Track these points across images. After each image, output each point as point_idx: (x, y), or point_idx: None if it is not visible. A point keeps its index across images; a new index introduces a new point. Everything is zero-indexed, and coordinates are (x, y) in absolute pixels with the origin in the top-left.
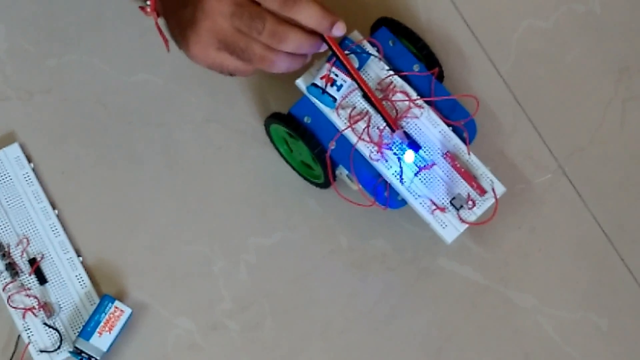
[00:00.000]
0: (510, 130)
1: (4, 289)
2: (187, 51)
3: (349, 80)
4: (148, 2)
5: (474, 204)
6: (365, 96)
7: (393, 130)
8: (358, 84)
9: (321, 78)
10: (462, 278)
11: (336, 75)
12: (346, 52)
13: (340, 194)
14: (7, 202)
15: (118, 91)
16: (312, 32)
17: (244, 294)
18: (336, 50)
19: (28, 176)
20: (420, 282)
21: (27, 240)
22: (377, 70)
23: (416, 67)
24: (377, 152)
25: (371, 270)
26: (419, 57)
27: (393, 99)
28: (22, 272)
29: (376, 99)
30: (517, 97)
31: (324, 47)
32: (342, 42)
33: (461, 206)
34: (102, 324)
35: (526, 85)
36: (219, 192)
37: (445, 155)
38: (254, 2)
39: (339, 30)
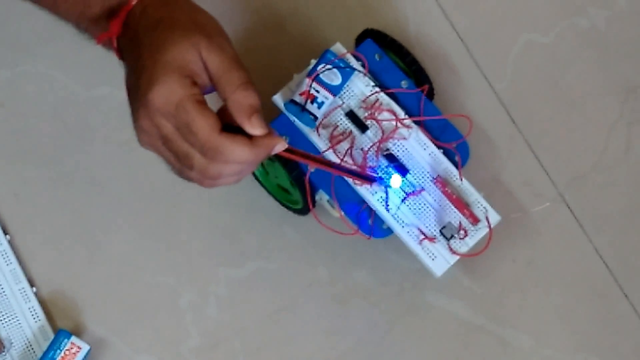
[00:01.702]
0: (506, 154)
1: None
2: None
3: (330, 97)
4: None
5: (465, 234)
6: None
7: (371, 184)
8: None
9: (300, 94)
10: (453, 315)
11: (317, 91)
12: (328, 66)
13: (320, 222)
14: None
15: (77, 105)
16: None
17: (213, 330)
18: (292, 157)
19: None
20: (406, 319)
21: None
22: (361, 86)
23: (404, 84)
24: (362, 185)
25: (353, 306)
26: (408, 73)
27: (379, 118)
28: None
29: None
30: (514, 117)
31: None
32: (324, 55)
33: (452, 236)
34: None
35: (524, 105)
36: (187, 217)
37: (435, 180)
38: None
39: (279, 148)
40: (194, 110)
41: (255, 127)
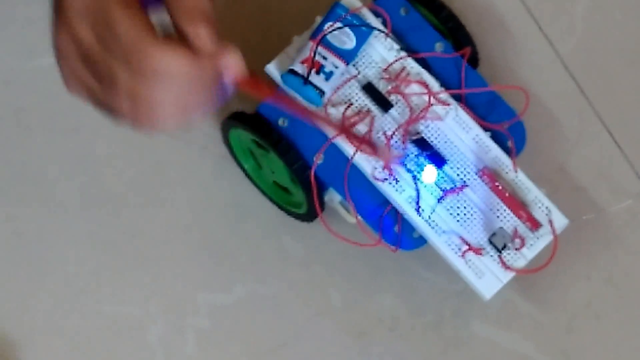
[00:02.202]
0: (575, 138)
1: None
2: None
3: (342, 65)
4: None
5: (523, 243)
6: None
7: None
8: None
9: (302, 62)
10: (507, 351)
11: (324, 58)
12: (338, 25)
13: (330, 230)
14: None
15: (12, 81)
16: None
17: None
18: (257, 92)
19: None
20: (446, 356)
21: None
22: (382, 51)
23: (439, 47)
24: (384, 169)
25: (375, 340)
26: (443, 33)
27: (406, 92)
28: None
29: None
30: (585, 89)
31: None
32: (333, 10)
33: (505, 246)
34: None
35: (598, 72)
36: (157, 229)
37: (481, 173)
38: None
39: (234, 66)
40: (119, 8)
41: (200, 36)
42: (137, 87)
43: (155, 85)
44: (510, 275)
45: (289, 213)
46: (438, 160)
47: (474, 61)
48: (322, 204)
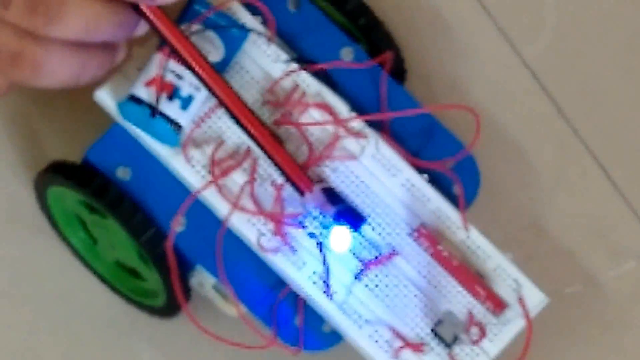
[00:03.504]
0: (553, 177)
1: None
2: None
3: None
4: None
5: (482, 333)
6: (238, 123)
7: (302, 193)
8: (216, 96)
9: (147, 84)
10: None
11: (179, 77)
12: (196, 27)
13: (202, 328)
14: None
15: None
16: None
17: None
18: (164, 30)
19: None
20: None
21: None
22: (264, 63)
23: (347, 53)
24: (275, 235)
25: None
26: (353, 33)
27: (301, 120)
28: None
29: (260, 130)
30: (563, 108)
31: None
32: (189, 7)
33: (456, 338)
34: None
35: (578, 84)
36: None
37: (417, 235)
38: None
39: None
40: None
41: None
42: (28, 45)
43: (56, 37)
44: None
45: (142, 307)
46: (353, 218)
47: (399, 73)
48: (187, 290)
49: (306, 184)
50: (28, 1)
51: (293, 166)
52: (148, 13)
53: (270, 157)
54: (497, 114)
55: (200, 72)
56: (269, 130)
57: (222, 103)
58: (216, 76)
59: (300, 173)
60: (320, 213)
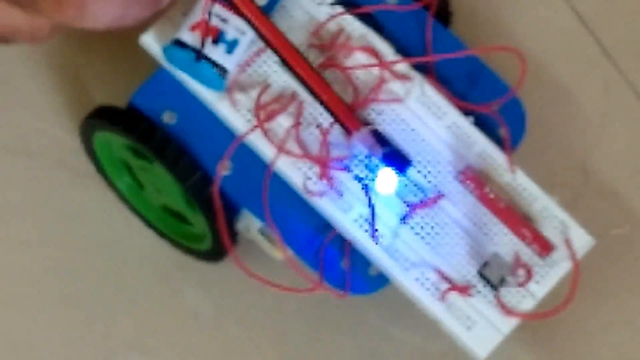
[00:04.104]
0: (599, 120)
1: None
2: None
3: (250, 29)
4: None
5: (529, 275)
6: (286, 64)
7: (350, 132)
8: (264, 39)
9: (192, 29)
10: None
11: (224, 20)
12: None
13: (248, 271)
14: None
15: None
16: None
17: None
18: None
19: None
20: None
21: None
22: (309, 6)
23: None
24: (321, 178)
25: None
26: None
27: (347, 63)
28: None
29: (308, 71)
30: (610, 49)
31: None
32: None
33: (503, 280)
34: None
35: (627, 23)
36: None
37: (463, 177)
38: None
39: None
40: None
41: None
42: None
43: None
44: (513, 323)
45: (188, 251)
46: (399, 161)
47: (444, 16)
48: (233, 234)
49: (354, 124)
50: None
51: (341, 106)
52: None
53: (318, 97)
54: (543, 56)
55: (248, 14)
56: (317, 71)
57: (269, 45)
58: (264, 18)
59: (349, 113)
60: (367, 156)
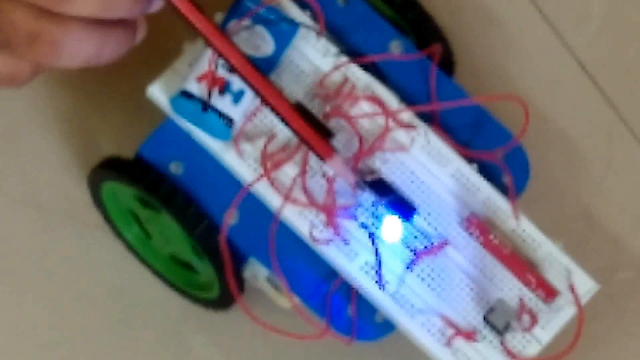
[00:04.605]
0: (603, 166)
1: None
2: None
3: None
4: None
5: (534, 321)
6: (267, 104)
7: (323, 160)
8: (243, 78)
9: (199, 79)
10: None
11: (230, 70)
12: (247, 23)
13: (255, 319)
14: None
15: None
16: None
17: None
18: (191, 17)
19: None
20: None
21: None
22: (314, 56)
23: (396, 46)
24: (327, 226)
25: None
26: (401, 27)
27: (352, 113)
28: None
29: (285, 107)
30: (612, 97)
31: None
32: (237, 5)
33: (508, 326)
34: None
35: (628, 73)
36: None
37: (467, 224)
38: None
39: None
40: None
41: None
42: (45, 24)
43: (75, 14)
44: None
45: (196, 300)
46: (404, 209)
47: (448, 65)
48: (241, 282)
49: (326, 151)
50: (28, 43)
51: (312, 134)
52: None
53: (288, 124)
54: (546, 104)
55: (215, 44)
56: (285, 100)
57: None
58: (221, 37)
59: (320, 140)
60: (373, 204)
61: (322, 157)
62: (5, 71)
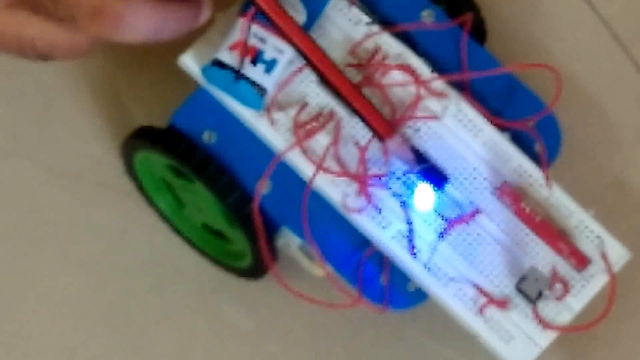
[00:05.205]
0: (635, 134)
1: None
2: None
3: (289, 49)
4: None
5: (566, 289)
6: (325, 81)
7: (383, 140)
8: (305, 57)
9: (231, 48)
10: None
11: (262, 40)
12: None
13: (288, 288)
14: None
15: None
16: None
17: None
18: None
19: None
20: None
21: None
22: (346, 26)
23: (427, 15)
24: (360, 194)
25: None
26: None
27: (384, 81)
28: None
29: (347, 86)
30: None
31: None
32: None
33: (540, 294)
34: None
35: None
36: (38, 298)
37: (499, 193)
38: None
39: None
40: None
41: None
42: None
43: None
44: (551, 336)
45: (228, 268)
46: (436, 177)
47: (479, 34)
48: (273, 251)
49: (386, 131)
50: (90, 17)
51: (374, 113)
52: None
53: (350, 106)
54: (578, 72)
55: (287, 31)
56: (349, 80)
57: (310, 63)
58: (306, 36)
59: (382, 120)
60: (405, 173)
61: (381, 138)
62: (66, 45)
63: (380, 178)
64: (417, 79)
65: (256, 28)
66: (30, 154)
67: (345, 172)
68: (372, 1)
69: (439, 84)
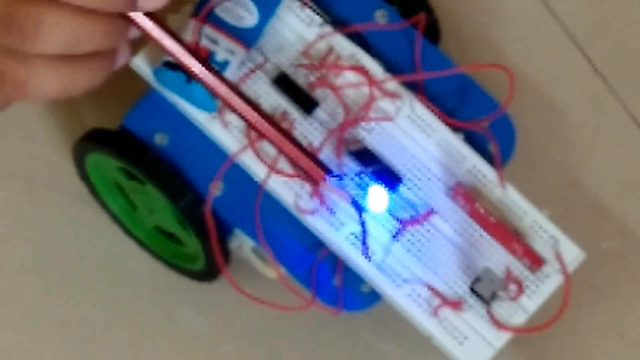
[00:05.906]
0: (590, 135)
1: None
2: None
3: (241, 50)
4: None
5: (520, 290)
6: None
7: (317, 183)
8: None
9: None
10: None
11: (214, 42)
12: None
13: (241, 290)
14: None
15: None
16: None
17: None
18: (157, 34)
19: None
20: None
21: None
22: (298, 26)
23: (380, 15)
24: (312, 196)
25: None
26: None
27: (337, 83)
28: None
29: (275, 132)
30: (598, 65)
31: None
32: None
33: (494, 295)
34: None
35: (614, 40)
36: None
37: (453, 193)
38: None
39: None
40: None
41: None
42: (17, 66)
43: (27, 39)
44: (505, 337)
45: (182, 271)
46: (389, 178)
47: (433, 34)
48: (226, 253)
49: (319, 174)
50: (1, 21)
51: (304, 156)
52: (137, 19)
53: (281, 150)
54: (531, 72)
55: (199, 73)
56: (277, 124)
57: (228, 104)
58: (220, 79)
59: (313, 162)
60: (358, 174)
61: (315, 181)
62: None
63: (335, 178)
64: (371, 80)
65: (208, 29)
66: None
67: (298, 173)
68: (325, 1)
69: (392, 84)
